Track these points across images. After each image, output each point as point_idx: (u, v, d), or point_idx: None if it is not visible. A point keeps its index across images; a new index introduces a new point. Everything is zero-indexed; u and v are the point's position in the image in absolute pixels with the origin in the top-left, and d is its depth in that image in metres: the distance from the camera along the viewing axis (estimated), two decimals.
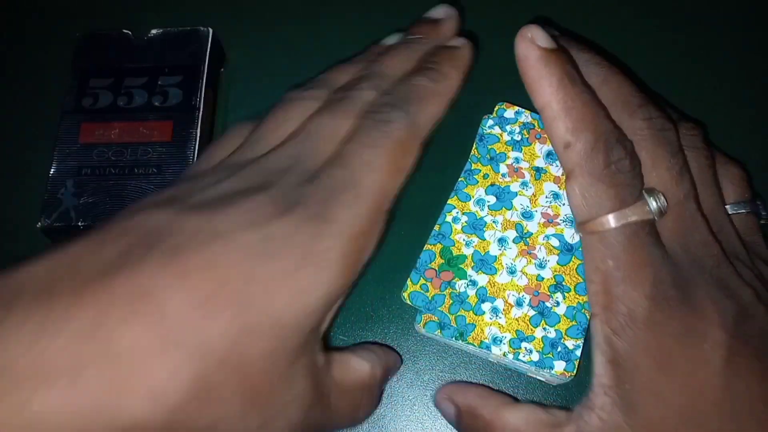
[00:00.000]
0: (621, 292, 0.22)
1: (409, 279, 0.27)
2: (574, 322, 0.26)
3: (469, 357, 0.29)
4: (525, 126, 0.28)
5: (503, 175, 0.27)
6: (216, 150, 0.25)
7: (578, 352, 0.25)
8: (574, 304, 0.26)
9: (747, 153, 0.30)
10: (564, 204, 0.27)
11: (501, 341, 0.26)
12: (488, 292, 0.26)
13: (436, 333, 0.26)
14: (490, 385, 0.29)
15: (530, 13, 0.33)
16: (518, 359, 0.25)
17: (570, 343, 0.25)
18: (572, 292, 0.26)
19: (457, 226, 0.26)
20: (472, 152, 0.28)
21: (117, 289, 0.17)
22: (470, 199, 0.27)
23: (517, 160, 0.27)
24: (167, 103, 0.32)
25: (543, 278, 0.26)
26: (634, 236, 0.22)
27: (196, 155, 0.31)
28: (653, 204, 0.23)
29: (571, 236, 0.26)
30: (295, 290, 0.19)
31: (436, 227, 0.27)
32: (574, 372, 0.25)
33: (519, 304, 0.26)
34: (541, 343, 0.25)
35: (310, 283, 0.20)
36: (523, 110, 0.28)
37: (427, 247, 0.27)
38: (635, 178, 0.23)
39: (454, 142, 0.29)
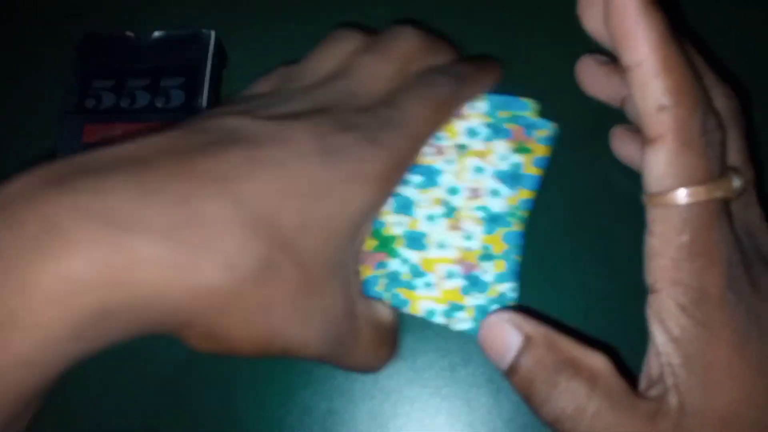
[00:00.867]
0: (697, 267, 0.21)
1: None
2: (504, 285, 0.26)
3: (470, 355, 0.29)
4: None
5: (427, 155, 0.27)
6: (265, 82, 0.27)
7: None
8: (503, 270, 0.26)
9: None
10: (487, 177, 0.27)
11: (435, 313, 0.26)
12: (420, 267, 0.26)
13: None
14: (490, 382, 0.29)
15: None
16: (454, 328, 0.26)
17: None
18: (500, 260, 0.26)
19: (387, 208, 0.27)
20: None
21: (204, 171, 0.20)
22: None
23: (438, 138, 0.27)
24: (170, 104, 0.32)
25: (472, 249, 0.26)
26: (716, 213, 0.21)
27: None
28: (737, 182, 0.22)
29: (497, 206, 0.27)
30: (342, 199, 0.22)
31: None
32: None
33: (450, 276, 0.26)
34: (472, 311, 0.26)
35: (355, 195, 0.23)
36: None
37: None
38: (723, 153, 0.22)
39: None
